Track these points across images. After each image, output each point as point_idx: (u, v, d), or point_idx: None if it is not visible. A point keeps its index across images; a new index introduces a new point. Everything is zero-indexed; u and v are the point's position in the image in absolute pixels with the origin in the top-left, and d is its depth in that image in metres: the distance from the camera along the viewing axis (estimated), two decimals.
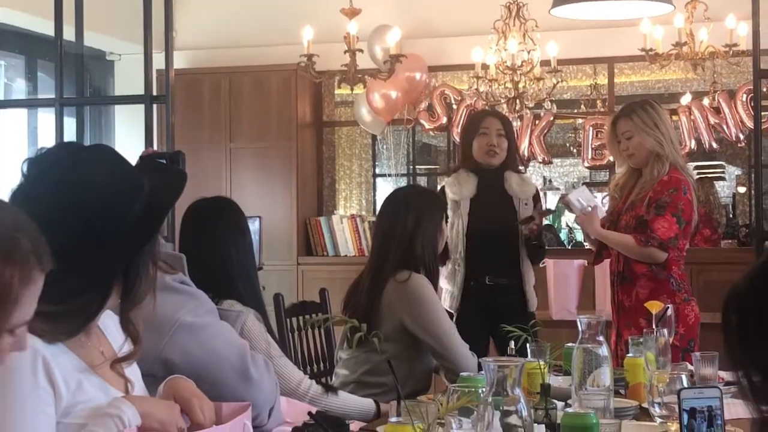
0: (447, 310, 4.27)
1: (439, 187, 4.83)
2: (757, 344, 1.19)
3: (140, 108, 4.58)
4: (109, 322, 1.98)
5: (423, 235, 3.46)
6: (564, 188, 8.95)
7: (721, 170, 8.23)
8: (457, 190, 4.40)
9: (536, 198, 4.44)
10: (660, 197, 3.83)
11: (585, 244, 6.95)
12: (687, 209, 3.85)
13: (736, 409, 2.67)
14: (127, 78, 7.48)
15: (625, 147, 3.98)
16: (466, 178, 4.42)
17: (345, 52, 5.37)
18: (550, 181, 9.77)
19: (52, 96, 4.76)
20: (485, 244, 4.26)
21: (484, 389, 1.91)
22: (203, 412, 1.88)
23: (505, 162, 4.39)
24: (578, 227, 5.67)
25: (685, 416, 2.15)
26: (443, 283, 4.34)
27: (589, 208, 3.93)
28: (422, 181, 8.27)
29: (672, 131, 3.95)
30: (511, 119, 6.28)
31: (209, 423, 1.87)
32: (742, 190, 8.08)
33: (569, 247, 8.04)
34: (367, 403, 3.02)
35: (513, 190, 4.35)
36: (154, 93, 4.64)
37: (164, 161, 2.85)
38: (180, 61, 6.78)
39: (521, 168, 4.68)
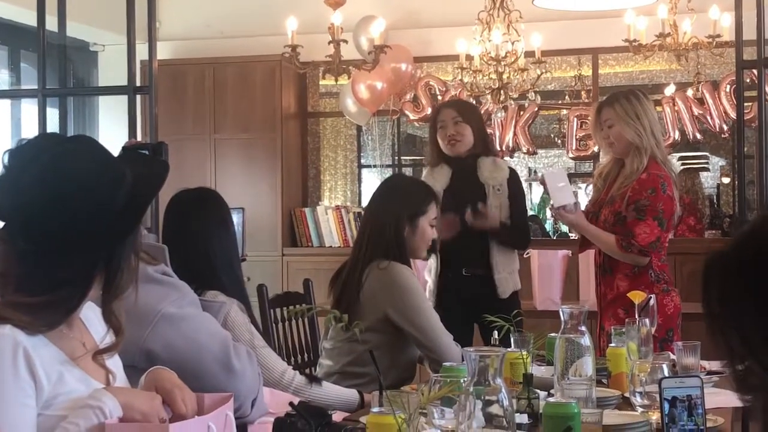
0: None
1: None
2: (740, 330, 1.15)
3: (124, 99, 4.55)
4: (90, 313, 1.98)
5: (412, 226, 3.46)
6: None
7: (705, 161, 8.26)
8: (431, 183, 4.40)
9: (512, 182, 4.39)
10: (639, 198, 3.82)
11: (570, 234, 6.98)
12: (667, 208, 3.85)
13: (717, 398, 2.69)
14: (111, 69, 7.46)
15: (606, 135, 3.98)
16: (440, 170, 4.43)
17: (329, 42, 5.36)
18: (535, 171, 9.78)
19: (35, 87, 4.74)
20: (457, 236, 4.25)
21: (466, 379, 1.91)
22: (185, 403, 1.87)
23: (473, 147, 4.36)
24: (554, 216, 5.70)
25: (666, 405, 2.16)
26: (425, 275, 4.36)
27: (572, 206, 3.91)
28: (407, 172, 8.27)
29: (655, 124, 3.94)
30: (495, 109, 6.26)
31: (191, 414, 1.87)
32: (726, 180, 8.11)
33: (554, 238, 8.06)
34: (350, 394, 3.03)
35: (484, 177, 4.34)
36: (138, 84, 4.62)
37: (147, 152, 2.84)
38: (164, 52, 6.75)
39: (498, 152, 4.64)
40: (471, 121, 4.36)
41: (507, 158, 4.72)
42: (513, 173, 4.42)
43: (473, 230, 4.26)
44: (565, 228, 7.79)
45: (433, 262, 4.32)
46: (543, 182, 4.02)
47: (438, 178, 4.39)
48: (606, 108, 3.97)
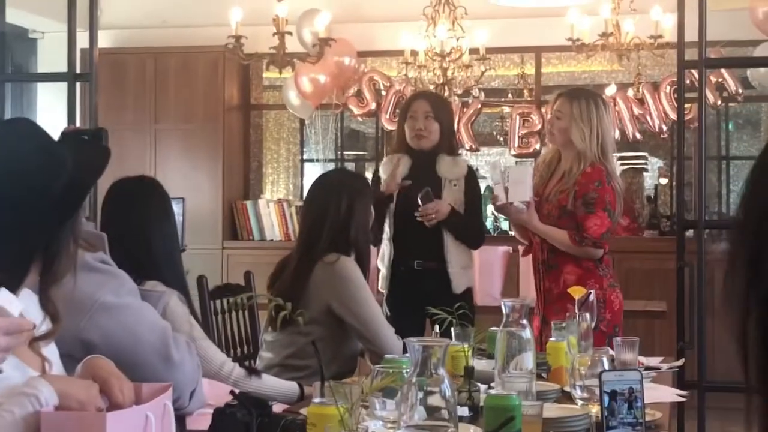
0: (379, 292, 4.28)
1: (372, 171, 4.78)
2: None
3: (63, 87, 4.48)
4: (27, 300, 1.93)
5: (356, 218, 3.46)
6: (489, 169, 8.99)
7: (644, 161, 8.36)
8: (387, 170, 4.38)
9: (469, 178, 4.37)
10: (586, 192, 3.85)
11: (510, 232, 7.01)
12: (613, 199, 3.88)
13: (655, 393, 2.72)
14: (50, 57, 7.33)
15: (550, 123, 4.01)
16: (399, 160, 4.41)
17: (274, 34, 5.33)
18: (477, 169, 9.82)
19: None
20: (411, 228, 4.24)
21: (408, 370, 1.91)
22: (122, 392, 1.84)
23: (438, 144, 4.35)
24: (502, 216, 5.68)
25: (606, 398, 2.17)
26: (378, 263, 4.34)
27: (524, 206, 3.89)
28: (350, 167, 8.25)
29: (607, 135, 3.93)
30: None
31: (129, 403, 1.84)
32: (663, 181, 8.21)
33: (494, 234, 8.10)
34: (290, 386, 3.02)
35: (442, 172, 4.32)
36: (78, 71, 4.55)
37: (87, 137, 2.79)
38: (105, 41, 6.66)
39: (460, 151, 4.62)
40: (442, 119, 4.32)
41: (460, 150, 4.67)
42: (471, 171, 4.40)
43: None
44: (505, 225, 7.82)
45: (386, 249, 4.30)
46: (501, 173, 3.98)
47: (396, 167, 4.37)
48: (562, 99, 3.98)
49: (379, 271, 4.36)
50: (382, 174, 4.39)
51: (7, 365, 1.78)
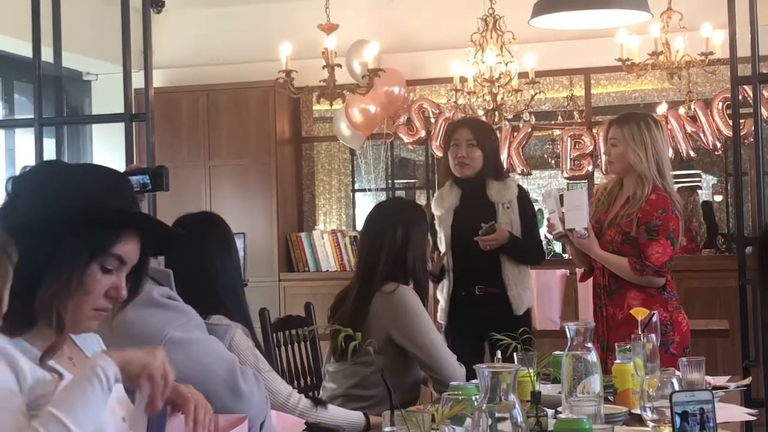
0: (437, 322, 4.29)
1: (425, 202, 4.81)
2: None
3: (116, 128, 4.55)
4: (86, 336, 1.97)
5: (413, 246, 3.47)
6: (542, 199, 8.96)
7: (698, 179, 8.28)
8: (440, 204, 4.41)
9: (521, 198, 4.37)
10: (650, 219, 3.82)
11: (564, 254, 6.97)
12: (677, 227, 3.86)
13: (725, 412, 2.69)
14: (104, 98, 7.46)
15: (607, 153, 4.00)
16: (449, 191, 4.43)
17: (323, 67, 5.38)
18: (528, 191, 9.78)
19: (30, 116, 4.74)
20: (468, 254, 4.25)
21: (478, 397, 1.91)
22: (197, 410, 1.83)
23: (483, 170, 4.35)
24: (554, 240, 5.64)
25: (678, 419, 2.16)
26: (438, 295, 4.36)
27: (586, 232, 3.87)
28: (401, 195, 8.27)
29: (662, 155, 3.92)
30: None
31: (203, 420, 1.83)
32: (718, 198, 8.13)
33: (548, 258, 8.06)
34: (356, 416, 3.02)
35: (492, 196, 4.33)
36: (133, 111, 4.62)
37: (148, 176, 2.83)
38: (157, 80, 6.75)
39: (509, 174, 4.62)
40: (484, 145, 4.33)
41: (508, 174, 4.68)
42: (522, 190, 4.42)
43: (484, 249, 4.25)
44: (557, 247, 7.78)
45: (445, 281, 4.32)
46: (555, 201, 3.97)
47: (446, 198, 4.40)
48: (615, 126, 3.97)
49: (437, 302, 4.37)
50: (435, 210, 4.43)
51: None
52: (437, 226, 4.39)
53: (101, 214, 1.83)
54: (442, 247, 4.35)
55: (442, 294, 4.35)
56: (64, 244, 1.79)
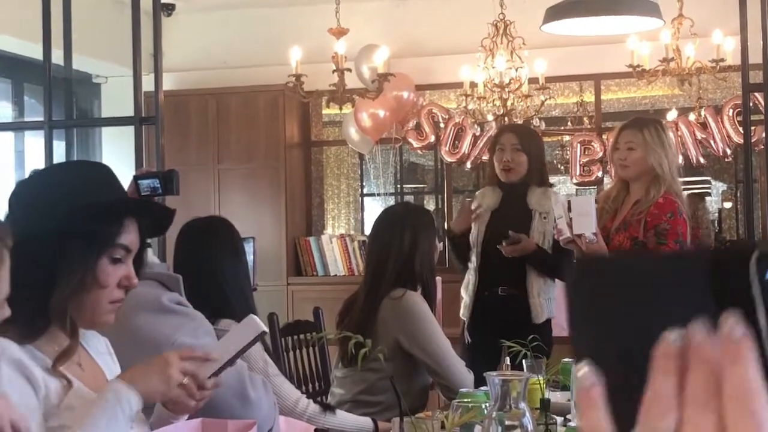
0: (461, 317, 4.29)
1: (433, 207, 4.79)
2: None
3: (125, 131, 4.56)
4: (94, 340, 1.97)
5: (420, 252, 3.46)
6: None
7: (708, 185, 8.26)
8: (480, 201, 4.40)
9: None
10: (658, 223, 3.80)
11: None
12: (685, 231, 3.84)
13: None
14: (114, 100, 7.47)
15: (623, 157, 3.94)
16: (491, 191, 4.42)
17: (333, 71, 5.37)
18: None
19: (40, 119, 4.74)
20: (497, 256, 4.24)
21: (487, 405, 1.90)
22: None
23: (527, 176, 4.34)
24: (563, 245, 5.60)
25: None
26: (462, 291, 4.35)
27: (595, 237, 3.84)
28: (409, 200, 8.26)
29: (675, 158, 3.94)
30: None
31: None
32: (728, 205, 8.10)
33: None
34: (365, 422, 3.02)
35: (532, 204, 4.32)
36: (143, 115, 4.62)
37: (158, 180, 2.83)
38: (167, 83, 6.75)
39: (552, 184, 4.59)
40: (530, 150, 4.32)
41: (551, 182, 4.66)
42: (563, 202, 4.39)
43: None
44: None
45: (471, 277, 4.31)
46: (563, 206, 3.95)
47: (488, 198, 4.39)
48: (631, 130, 3.94)
49: (462, 299, 4.37)
50: (473, 203, 4.43)
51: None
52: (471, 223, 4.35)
53: (101, 208, 1.84)
54: (473, 241, 4.33)
55: (466, 291, 4.35)
56: (71, 244, 1.79)
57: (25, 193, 1.92)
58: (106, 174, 1.96)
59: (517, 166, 4.30)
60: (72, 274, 1.80)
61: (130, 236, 1.87)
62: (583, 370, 0.57)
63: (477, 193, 4.60)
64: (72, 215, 1.80)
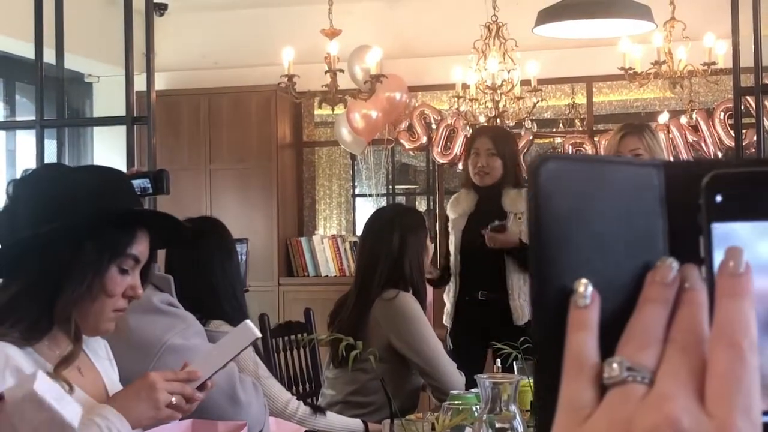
0: (442, 324, 4.30)
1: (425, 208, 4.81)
2: None
3: (117, 131, 4.55)
4: (94, 343, 1.96)
5: (409, 253, 3.46)
6: None
7: None
8: (455, 207, 4.42)
9: None
10: None
11: None
12: None
13: None
14: (106, 100, 7.46)
15: None
16: (465, 196, 4.44)
17: (325, 72, 5.37)
18: None
19: (32, 118, 4.73)
20: (476, 260, 4.25)
21: (478, 407, 1.90)
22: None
23: (502, 179, 4.35)
24: None
25: None
26: (444, 297, 4.37)
27: None
28: (401, 201, 8.26)
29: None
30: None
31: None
32: None
33: None
34: (355, 423, 3.01)
35: (507, 206, 4.32)
36: (135, 114, 4.61)
37: (149, 180, 2.83)
38: (159, 83, 6.74)
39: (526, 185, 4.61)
40: (504, 154, 4.34)
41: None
42: None
43: (491, 253, 4.22)
44: None
45: (452, 284, 4.32)
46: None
47: (462, 203, 4.40)
48: (632, 137, 3.95)
49: (444, 305, 4.38)
50: (450, 212, 4.45)
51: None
52: (450, 229, 4.40)
53: (115, 216, 1.83)
54: (452, 249, 4.36)
55: (448, 297, 4.36)
56: (83, 249, 1.79)
57: (36, 185, 1.88)
58: (123, 180, 1.96)
59: (492, 170, 4.31)
60: (81, 279, 1.79)
61: (140, 247, 1.86)
62: (581, 287, 0.54)
63: (452, 197, 4.60)
64: (88, 219, 1.79)
